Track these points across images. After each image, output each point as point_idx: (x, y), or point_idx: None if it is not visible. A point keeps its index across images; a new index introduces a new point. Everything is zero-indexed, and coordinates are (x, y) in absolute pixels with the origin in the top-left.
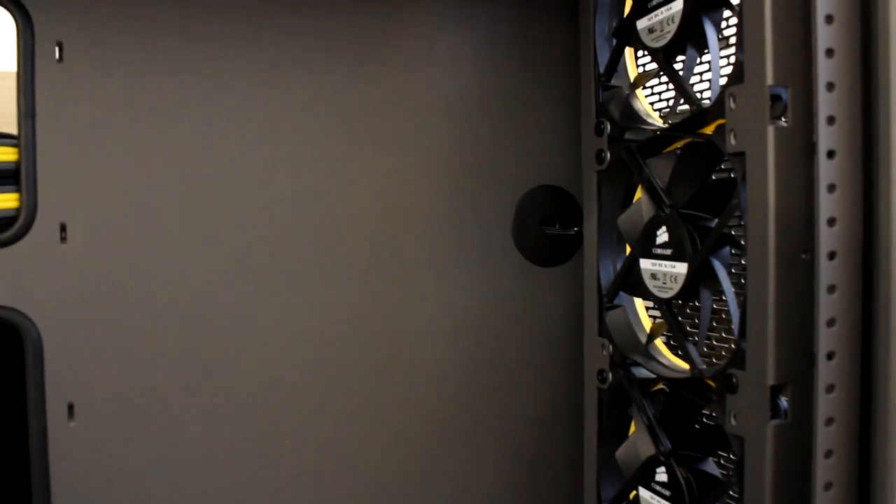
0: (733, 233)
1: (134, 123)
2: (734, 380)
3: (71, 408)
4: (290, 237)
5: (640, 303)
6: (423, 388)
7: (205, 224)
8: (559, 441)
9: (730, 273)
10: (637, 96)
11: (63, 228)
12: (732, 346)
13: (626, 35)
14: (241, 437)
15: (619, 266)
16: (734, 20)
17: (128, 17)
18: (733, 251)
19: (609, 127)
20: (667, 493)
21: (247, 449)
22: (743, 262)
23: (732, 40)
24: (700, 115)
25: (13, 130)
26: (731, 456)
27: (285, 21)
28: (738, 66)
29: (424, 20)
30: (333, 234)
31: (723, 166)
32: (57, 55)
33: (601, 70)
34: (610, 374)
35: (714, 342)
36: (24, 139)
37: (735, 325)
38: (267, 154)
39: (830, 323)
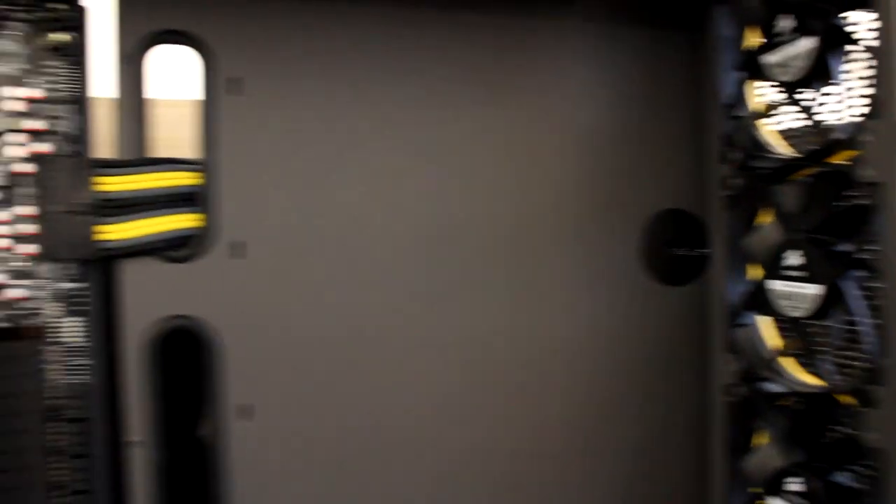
0: (864, 256)
1: (304, 152)
2: (874, 395)
3: (247, 409)
4: (439, 256)
5: (766, 319)
6: (553, 399)
7: (363, 241)
8: (683, 451)
9: (862, 295)
10: (762, 125)
11: (240, 246)
12: (866, 363)
13: (752, 68)
14: (398, 437)
15: (745, 286)
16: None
17: (303, 55)
18: (864, 274)
19: (734, 155)
20: (799, 503)
21: (395, 448)
22: (874, 284)
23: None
24: (830, 145)
25: (184, 153)
26: (864, 468)
27: (440, 59)
28: (874, 101)
29: (559, 55)
30: (477, 253)
31: (852, 192)
32: (237, 89)
33: (726, 100)
34: (738, 389)
35: (845, 360)
36: (207, 165)
37: (869, 344)
38: (420, 179)
39: None
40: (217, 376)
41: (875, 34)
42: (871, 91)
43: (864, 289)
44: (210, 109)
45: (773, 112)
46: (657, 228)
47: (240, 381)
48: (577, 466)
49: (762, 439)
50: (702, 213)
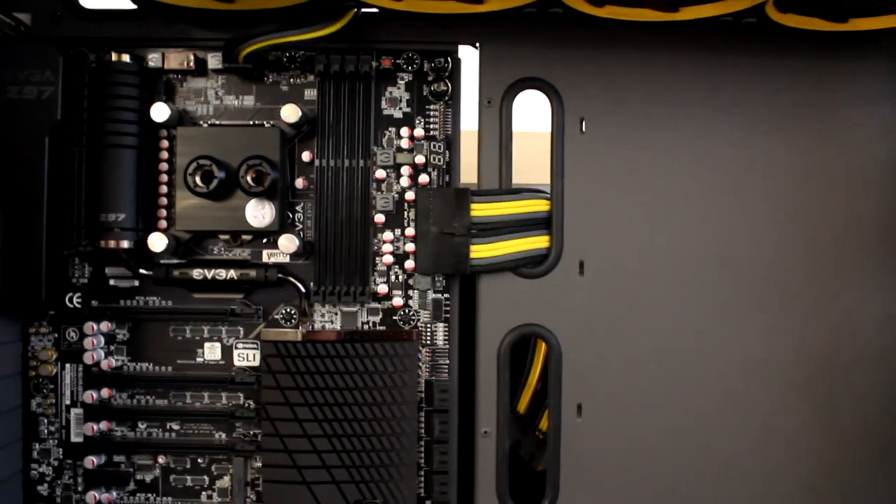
0: None
1: (637, 184)
2: None
3: (579, 407)
4: (747, 278)
5: None
6: (852, 412)
7: (680, 263)
8: None
9: None
10: None
11: (581, 265)
12: None
13: None
14: (705, 440)
15: None
16: None
17: (636, 98)
18: None
19: None
20: None
21: (710, 449)
22: None
23: None
24: None
25: (538, 180)
26: None
27: (752, 102)
28: None
29: (862, 94)
30: (779, 276)
31: None
32: (581, 128)
33: None
34: None
35: None
36: (555, 194)
37: None
38: (732, 210)
39: None
40: (556, 378)
41: None
42: None
43: None
44: (558, 144)
45: None
46: None
47: (572, 382)
48: (876, 479)
49: None
50: None
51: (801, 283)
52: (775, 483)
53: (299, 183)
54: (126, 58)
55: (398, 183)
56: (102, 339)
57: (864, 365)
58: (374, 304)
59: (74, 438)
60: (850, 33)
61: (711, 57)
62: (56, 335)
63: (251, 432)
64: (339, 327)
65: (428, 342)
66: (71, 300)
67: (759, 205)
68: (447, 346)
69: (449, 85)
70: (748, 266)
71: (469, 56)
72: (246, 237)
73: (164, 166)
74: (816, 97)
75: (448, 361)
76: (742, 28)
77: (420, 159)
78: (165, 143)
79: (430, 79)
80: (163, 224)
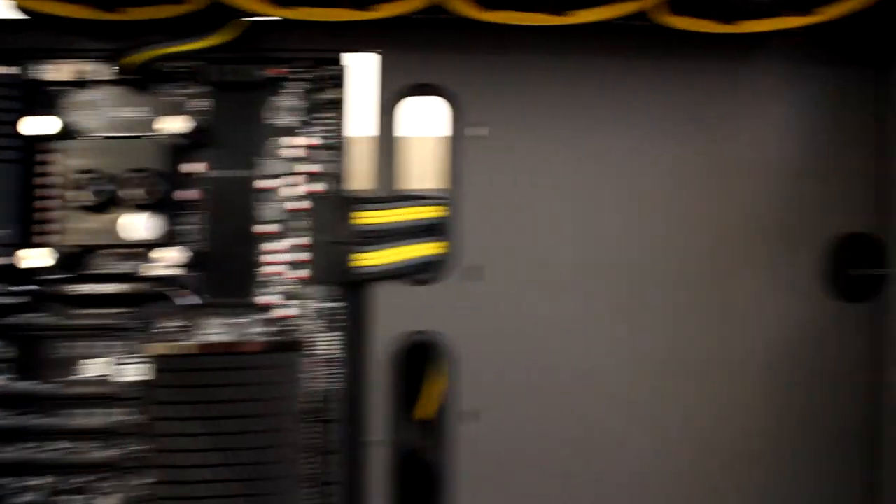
0: None
1: (535, 188)
2: None
3: (475, 413)
4: (642, 278)
5: None
6: (735, 408)
7: (577, 267)
8: (851, 464)
9: None
10: None
11: (478, 269)
12: None
13: None
14: (601, 444)
15: None
16: None
17: (535, 103)
18: None
19: None
20: None
21: (604, 452)
22: None
23: None
24: None
25: (431, 183)
26: None
27: (650, 103)
28: None
29: (751, 95)
30: (674, 275)
31: None
32: (477, 132)
33: None
34: None
35: None
36: (452, 199)
37: None
38: (630, 211)
39: None
40: (453, 384)
41: None
42: None
43: None
44: (454, 150)
45: None
46: (838, 250)
47: (469, 388)
48: (748, 475)
49: None
50: (882, 236)
51: (697, 284)
52: (681, 486)
53: (188, 194)
54: (8, 69)
55: (290, 192)
56: None
57: (761, 364)
58: (265, 315)
59: None
60: (739, 35)
61: (605, 59)
62: None
63: (138, 448)
64: (228, 339)
65: (320, 352)
66: None
67: (655, 206)
68: (339, 356)
69: (341, 92)
70: (646, 268)
71: (364, 62)
72: (134, 250)
73: (49, 180)
74: (708, 98)
75: (340, 371)
76: (633, 31)
77: (312, 168)
78: (51, 157)
79: (322, 86)
80: (48, 238)
